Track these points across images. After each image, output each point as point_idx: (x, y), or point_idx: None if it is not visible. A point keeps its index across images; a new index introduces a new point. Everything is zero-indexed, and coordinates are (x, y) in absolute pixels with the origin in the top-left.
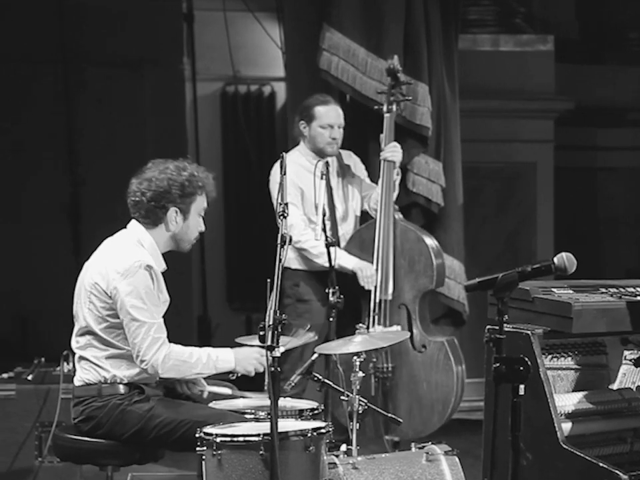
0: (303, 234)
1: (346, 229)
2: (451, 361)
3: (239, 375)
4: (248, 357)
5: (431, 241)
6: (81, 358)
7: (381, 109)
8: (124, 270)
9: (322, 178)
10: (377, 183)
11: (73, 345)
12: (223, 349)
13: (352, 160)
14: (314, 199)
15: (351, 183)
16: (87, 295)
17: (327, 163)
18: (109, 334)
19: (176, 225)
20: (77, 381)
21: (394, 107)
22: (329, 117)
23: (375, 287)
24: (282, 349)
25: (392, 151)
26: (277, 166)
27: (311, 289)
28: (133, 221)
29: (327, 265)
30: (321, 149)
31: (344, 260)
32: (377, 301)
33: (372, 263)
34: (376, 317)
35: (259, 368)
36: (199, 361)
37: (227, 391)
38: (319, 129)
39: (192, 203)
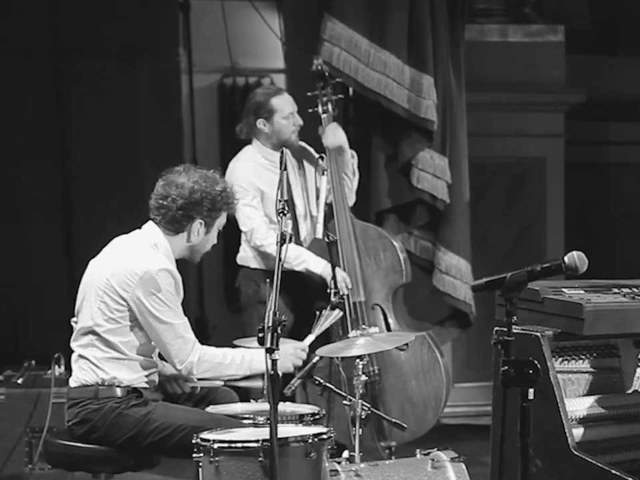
0: (267, 237)
1: (307, 227)
2: (435, 353)
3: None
4: (283, 353)
5: (392, 235)
6: (80, 357)
7: (316, 111)
8: (143, 273)
9: (323, 174)
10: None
11: (73, 343)
12: (256, 350)
13: (306, 152)
14: (324, 195)
15: (308, 177)
16: (98, 295)
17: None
18: (116, 336)
19: (197, 237)
20: (73, 382)
21: (329, 107)
22: (289, 104)
23: (346, 294)
24: (312, 337)
25: (333, 134)
26: (236, 166)
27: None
28: (151, 223)
29: (296, 269)
30: (286, 140)
31: (312, 264)
32: (351, 304)
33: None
34: (353, 322)
35: (298, 362)
36: (233, 362)
37: (219, 383)
38: (283, 120)
39: (217, 217)
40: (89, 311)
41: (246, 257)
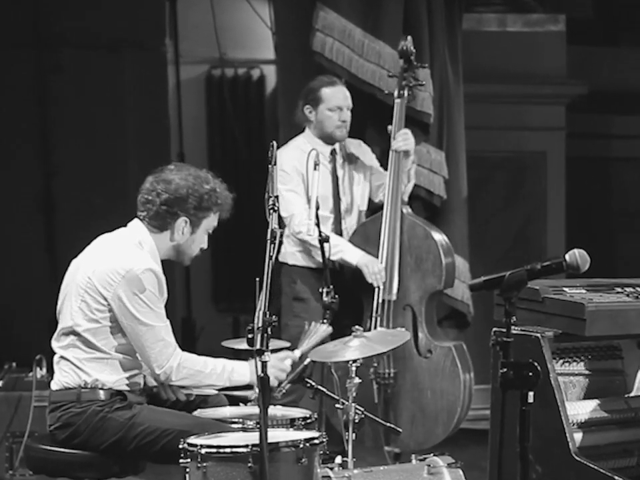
0: (305, 224)
1: (349, 223)
2: (458, 367)
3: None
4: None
5: (440, 238)
6: (62, 358)
7: (391, 93)
8: (126, 272)
9: (315, 169)
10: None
11: (54, 344)
12: (238, 361)
13: (361, 150)
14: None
15: (357, 173)
16: (79, 294)
17: (334, 150)
18: (97, 336)
19: (182, 236)
20: (55, 385)
21: (405, 92)
22: (337, 98)
23: (378, 286)
24: (299, 353)
25: (404, 139)
26: (283, 152)
27: (308, 287)
28: (136, 221)
29: (332, 258)
30: (329, 133)
31: (349, 254)
32: (380, 301)
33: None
34: (378, 319)
35: (280, 376)
36: (214, 372)
37: (213, 391)
38: (327, 112)
39: (204, 218)
40: (69, 310)
41: (284, 253)
